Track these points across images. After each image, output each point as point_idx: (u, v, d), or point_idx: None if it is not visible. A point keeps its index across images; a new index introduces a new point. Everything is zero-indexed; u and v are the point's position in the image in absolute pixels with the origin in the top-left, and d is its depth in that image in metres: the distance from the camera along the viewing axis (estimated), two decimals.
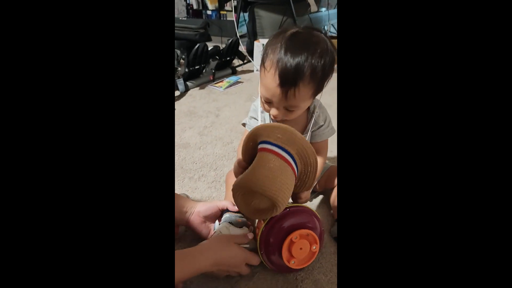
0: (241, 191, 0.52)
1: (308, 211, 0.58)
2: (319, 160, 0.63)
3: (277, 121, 0.60)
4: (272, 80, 0.52)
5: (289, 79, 0.51)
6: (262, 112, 0.67)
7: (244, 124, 0.72)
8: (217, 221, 0.64)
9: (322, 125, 0.66)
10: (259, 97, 0.60)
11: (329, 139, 0.69)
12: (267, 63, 0.53)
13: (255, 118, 0.69)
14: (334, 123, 0.68)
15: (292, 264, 0.54)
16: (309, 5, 2.07)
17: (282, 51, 0.51)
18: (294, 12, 1.95)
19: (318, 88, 0.55)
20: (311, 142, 0.63)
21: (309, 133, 0.66)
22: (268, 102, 0.57)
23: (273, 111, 0.57)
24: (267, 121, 0.67)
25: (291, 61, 0.50)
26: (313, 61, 0.51)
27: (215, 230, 0.60)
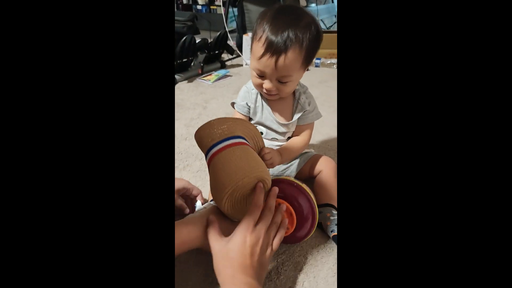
0: (226, 194, 0.48)
1: (299, 188, 0.58)
2: (301, 139, 0.70)
3: (269, 100, 0.66)
4: (261, 48, 0.55)
5: (278, 45, 0.54)
6: (252, 89, 0.68)
7: (233, 104, 0.72)
8: (199, 201, 0.67)
9: (307, 110, 0.69)
10: (251, 75, 0.62)
11: (313, 132, 0.72)
12: (258, 33, 0.56)
13: (247, 104, 0.69)
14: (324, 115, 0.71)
15: None
16: (298, 0, 2.08)
17: (271, 20, 0.55)
18: None
19: (307, 56, 0.57)
20: (296, 125, 0.70)
21: (295, 117, 0.68)
22: (260, 76, 0.59)
23: (266, 84, 0.60)
24: (258, 103, 0.68)
25: (279, 28, 0.54)
26: (300, 28, 0.54)
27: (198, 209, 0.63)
